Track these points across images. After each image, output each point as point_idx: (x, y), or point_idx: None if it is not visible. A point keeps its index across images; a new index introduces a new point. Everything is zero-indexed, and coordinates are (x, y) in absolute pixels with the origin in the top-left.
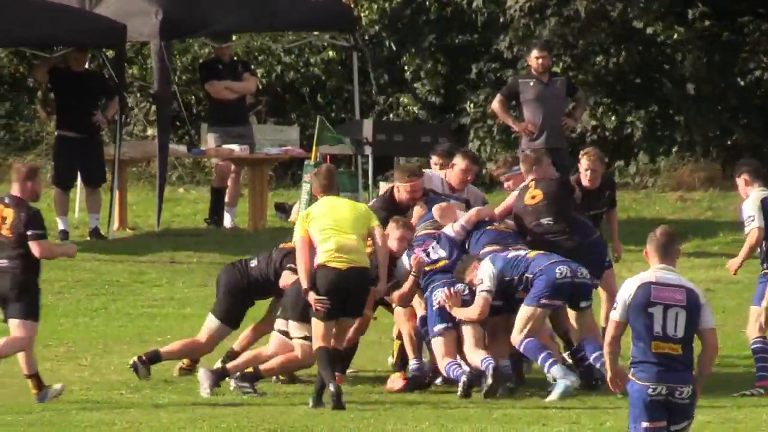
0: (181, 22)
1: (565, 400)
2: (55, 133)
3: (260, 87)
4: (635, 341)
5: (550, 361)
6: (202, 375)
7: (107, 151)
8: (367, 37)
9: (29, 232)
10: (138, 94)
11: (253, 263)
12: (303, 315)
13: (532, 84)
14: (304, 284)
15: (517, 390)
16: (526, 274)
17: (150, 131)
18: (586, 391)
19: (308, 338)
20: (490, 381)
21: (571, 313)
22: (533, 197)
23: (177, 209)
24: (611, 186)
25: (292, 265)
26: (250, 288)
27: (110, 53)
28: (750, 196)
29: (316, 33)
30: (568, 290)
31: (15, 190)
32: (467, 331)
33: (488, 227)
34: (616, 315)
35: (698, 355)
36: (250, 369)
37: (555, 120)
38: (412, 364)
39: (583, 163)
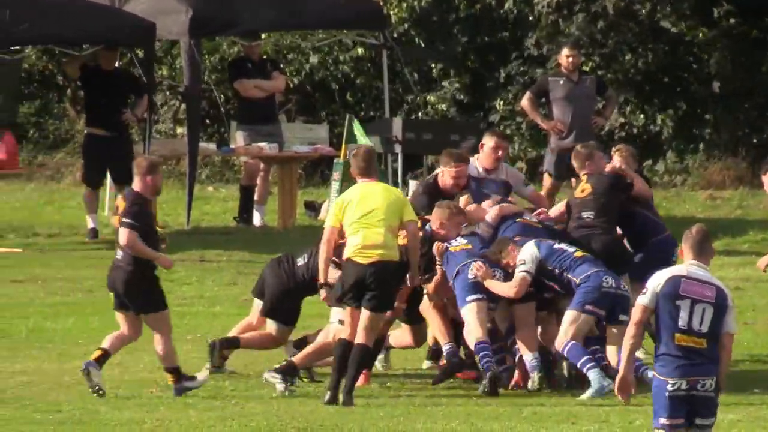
0: (211, 20)
1: (594, 399)
2: (85, 132)
3: (290, 85)
4: (659, 333)
5: (590, 365)
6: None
7: (136, 150)
8: (395, 35)
9: (124, 219)
10: (167, 92)
11: (300, 262)
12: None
13: (561, 82)
14: (321, 277)
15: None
16: (569, 275)
17: (179, 130)
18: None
19: (341, 322)
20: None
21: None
22: (582, 191)
23: (206, 207)
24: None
25: (336, 260)
26: (298, 287)
27: (140, 51)
28: None
29: (345, 31)
30: (611, 301)
31: (135, 184)
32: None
33: (516, 220)
34: (644, 299)
35: None
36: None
37: (584, 119)
38: (447, 348)
39: (615, 159)
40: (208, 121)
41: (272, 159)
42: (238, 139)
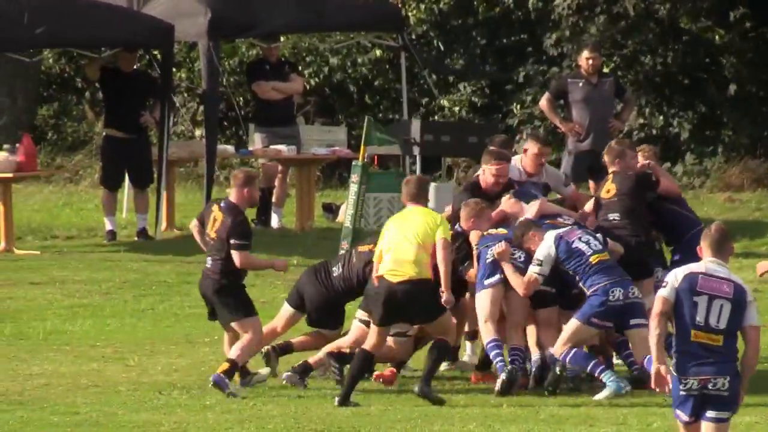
0: (230, 22)
1: (612, 400)
2: (103, 134)
3: (308, 87)
4: (676, 329)
5: (601, 368)
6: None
7: (154, 152)
8: (414, 37)
9: (231, 241)
10: (185, 94)
11: (336, 272)
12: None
13: (581, 84)
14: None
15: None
16: (583, 283)
17: (197, 132)
18: (634, 392)
19: (402, 335)
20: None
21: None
22: (608, 191)
23: None
24: None
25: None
26: (338, 297)
27: (158, 54)
28: None
29: (363, 33)
30: (619, 312)
31: (232, 195)
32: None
33: (546, 221)
34: (664, 292)
35: (742, 354)
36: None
37: (602, 122)
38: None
39: (638, 159)
40: (226, 123)
41: (290, 161)
42: (256, 141)
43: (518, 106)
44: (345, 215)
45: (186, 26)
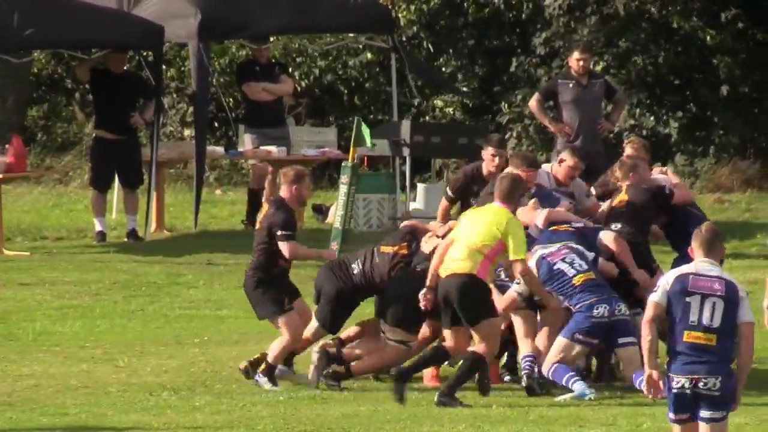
0: (220, 23)
1: (602, 401)
2: (93, 135)
3: (299, 89)
4: (670, 331)
5: (574, 379)
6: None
7: (144, 153)
8: (404, 39)
9: (278, 233)
10: (174, 95)
11: (356, 269)
12: (399, 320)
13: (570, 86)
14: (429, 282)
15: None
16: (568, 302)
17: (187, 132)
18: (624, 393)
19: (403, 342)
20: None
21: None
22: (620, 201)
23: (214, 211)
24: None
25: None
26: (355, 294)
27: (149, 54)
28: None
29: (353, 35)
30: (604, 329)
31: (282, 191)
32: (517, 320)
33: (552, 227)
34: (655, 296)
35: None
36: (341, 368)
37: (592, 123)
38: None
39: (628, 151)
40: (216, 124)
41: (280, 162)
42: (246, 142)
43: (506, 105)
44: (335, 216)
45: (176, 27)
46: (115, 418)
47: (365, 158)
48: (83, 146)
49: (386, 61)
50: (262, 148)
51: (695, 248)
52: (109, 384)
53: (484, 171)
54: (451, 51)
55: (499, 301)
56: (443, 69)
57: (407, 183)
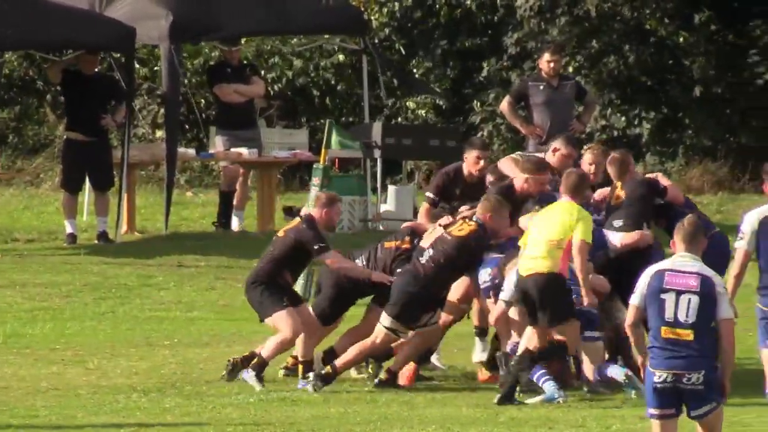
0: (191, 25)
1: (571, 403)
2: (64, 137)
3: (271, 93)
4: (649, 327)
5: (545, 378)
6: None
7: (115, 155)
8: (377, 41)
9: (315, 247)
10: (146, 97)
11: (360, 263)
12: (399, 313)
13: (541, 87)
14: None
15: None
16: None
17: (158, 134)
18: (593, 395)
19: (394, 331)
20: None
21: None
22: (617, 198)
23: (185, 213)
24: None
25: (404, 269)
26: (355, 288)
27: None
28: None
29: (326, 36)
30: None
31: (314, 212)
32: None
33: None
34: (635, 300)
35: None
36: (328, 369)
37: (563, 124)
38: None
39: (587, 157)
40: (187, 126)
41: (251, 164)
42: (218, 143)
43: (478, 104)
44: None
45: (147, 29)
46: (85, 420)
47: (336, 160)
48: (54, 148)
49: (358, 63)
50: (233, 150)
51: (677, 242)
52: (80, 386)
53: (465, 172)
54: (422, 53)
55: (491, 311)
56: (415, 71)
57: (378, 185)
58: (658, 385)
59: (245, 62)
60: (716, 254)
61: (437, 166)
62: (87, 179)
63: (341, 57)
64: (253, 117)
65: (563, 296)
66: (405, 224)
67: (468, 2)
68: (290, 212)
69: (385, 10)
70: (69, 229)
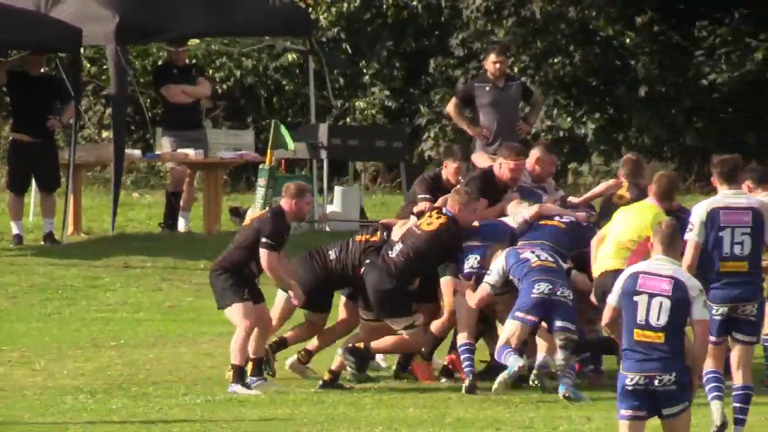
0: (138, 26)
1: (519, 405)
2: (10, 138)
3: (220, 92)
4: (623, 329)
5: (507, 351)
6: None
7: (62, 156)
8: (325, 41)
9: (263, 239)
10: (92, 98)
11: (332, 256)
12: (392, 311)
13: (488, 89)
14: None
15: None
16: (519, 284)
17: (105, 135)
18: (540, 396)
19: (411, 326)
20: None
21: None
22: (621, 197)
23: (131, 213)
24: None
25: (372, 260)
26: (329, 280)
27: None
28: None
29: (271, 38)
30: (544, 306)
31: (283, 203)
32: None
33: (551, 221)
34: (611, 300)
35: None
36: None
37: (510, 125)
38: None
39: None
40: (133, 127)
41: (198, 165)
42: (164, 144)
43: (425, 106)
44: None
45: (94, 30)
46: (32, 421)
47: (282, 161)
48: (0, 149)
49: (306, 64)
50: (179, 150)
51: (655, 244)
52: (26, 387)
53: (444, 178)
54: (369, 53)
55: (471, 296)
56: (364, 71)
57: (324, 186)
58: (630, 387)
59: (192, 63)
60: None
61: (383, 166)
62: (33, 180)
63: (290, 58)
64: (200, 118)
65: None
66: (381, 221)
67: (415, 3)
68: (236, 213)
69: (333, 9)
70: (15, 231)
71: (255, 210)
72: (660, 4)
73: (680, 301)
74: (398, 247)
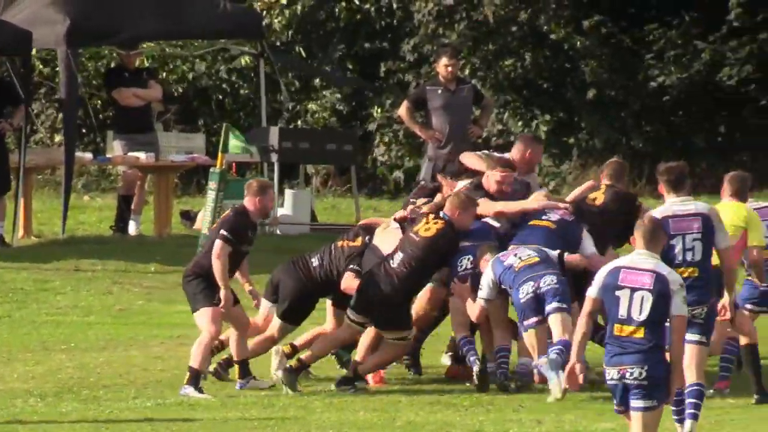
0: (89, 30)
1: (469, 408)
2: None
3: (175, 95)
4: (607, 323)
5: (542, 366)
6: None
7: (12, 159)
8: (279, 44)
9: (221, 231)
10: (43, 101)
11: (315, 263)
12: (388, 321)
13: (440, 92)
14: None
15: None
16: (511, 290)
17: (58, 139)
18: (491, 400)
19: (403, 338)
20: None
21: None
22: (595, 199)
23: (82, 217)
24: None
25: (355, 266)
26: (314, 288)
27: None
28: None
29: (223, 41)
30: (535, 305)
31: (246, 202)
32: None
33: (542, 222)
34: (591, 291)
35: None
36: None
37: (462, 128)
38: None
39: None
40: (84, 130)
41: (148, 168)
42: (116, 148)
43: (378, 110)
44: (203, 222)
45: (44, 33)
46: None
47: (233, 164)
48: None
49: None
50: (130, 154)
51: (636, 238)
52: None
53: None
54: (322, 56)
55: (471, 309)
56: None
57: (275, 189)
58: (609, 383)
59: (144, 66)
60: None
61: (334, 170)
62: None
63: (244, 61)
64: (151, 121)
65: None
66: (361, 222)
67: (367, 6)
68: (187, 216)
69: (287, 12)
70: None
71: (206, 213)
72: (611, 7)
73: (662, 294)
74: (399, 256)
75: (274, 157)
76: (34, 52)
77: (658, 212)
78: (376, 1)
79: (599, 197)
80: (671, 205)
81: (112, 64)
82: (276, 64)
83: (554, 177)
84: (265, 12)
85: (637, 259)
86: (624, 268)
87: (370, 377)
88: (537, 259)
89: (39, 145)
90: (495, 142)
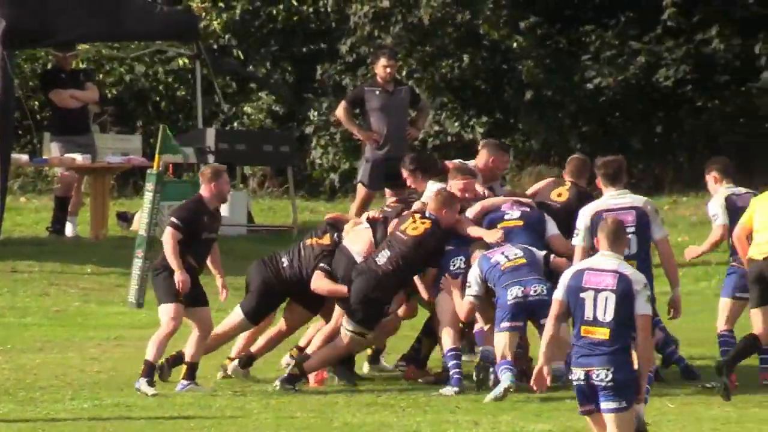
0: (25, 31)
1: (406, 409)
2: None
3: (109, 94)
4: (573, 325)
5: (504, 366)
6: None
7: None
8: (216, 47)
9: (171, 218)
10: None
11: (285, 262)
12: (363, 317)
13: (377, 93)
14: None
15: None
16: (496, 288)
17: None
18: (428, 401)
19: (360, 334)
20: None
21: None
22: (559, 195)
23: (18, 218)
24: None
25: (324, 266)
26: (283, 286)
27: None
28: (716, 194)
29: (160, 42)
30: (521, 310)
31: (202, 190)
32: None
33: (510, 223)
34: (557, 294)
35: None
36: (296, 370)
37: (400, 129)
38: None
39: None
40: (20, 132)
41: (85, 169)
42: (52, 149)
43: (314, 113)
44: (140, 224)
45: None
46: None
47: (170, 166)
48: None
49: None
50: (67, 155)
51: (600, 240)
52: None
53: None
54: (259, 58)
55: (460, 310)
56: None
57: None
58: (575, 383)
59: (80, 68)
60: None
61: (271, 171)
62: None
63: (181, 62)
64: (87, 123)
65: None
66: (327, 216)
67: (304, 8)
68: (124, 218)
69: (225, 15)
70: None
71: (143, 215)
72: (547, 8)
73: (625, 294)
74: (385, 253)
75: (210, 159)
76: None
77: (592, 207)
78: (313, 2)
79: (563, 193)
80: (608, 198)
81: (49, 66)
82: (212, 66)
83: None
84: (204, 14)
85: (601, 260)
86: (588, 270)
87: (311, 377)
88: (524, 260)
89: None
90: (432, 144)
